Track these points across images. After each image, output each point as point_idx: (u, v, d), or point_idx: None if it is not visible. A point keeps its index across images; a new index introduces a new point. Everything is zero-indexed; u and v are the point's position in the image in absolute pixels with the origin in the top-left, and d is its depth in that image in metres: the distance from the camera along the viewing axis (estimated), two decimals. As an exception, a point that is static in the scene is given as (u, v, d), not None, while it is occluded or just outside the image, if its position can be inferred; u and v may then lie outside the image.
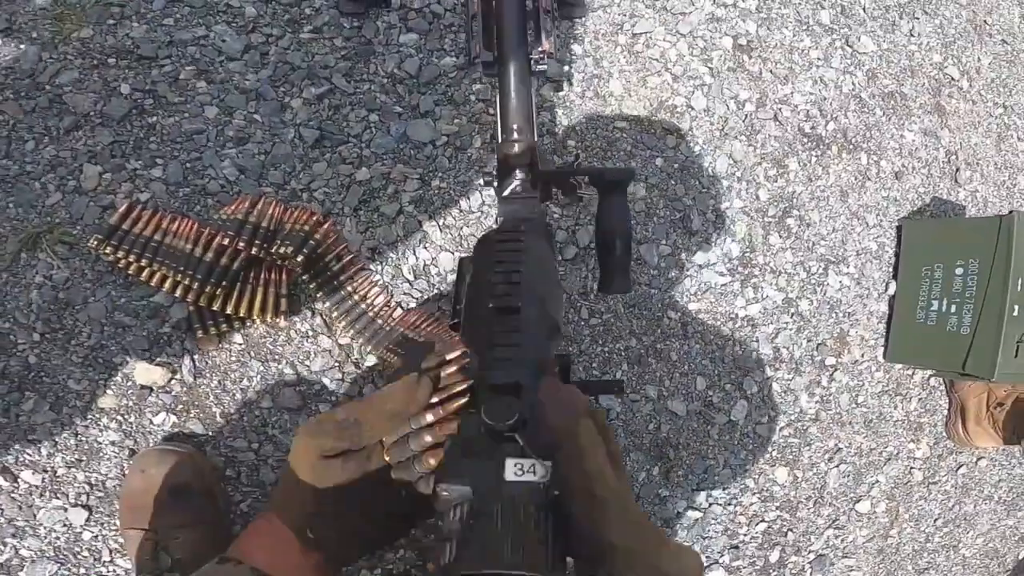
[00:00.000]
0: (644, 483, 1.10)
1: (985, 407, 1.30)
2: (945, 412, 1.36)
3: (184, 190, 0.91)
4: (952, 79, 1.35)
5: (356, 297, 0.94)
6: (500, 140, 0.74)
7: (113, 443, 0.91)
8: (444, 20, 1.01)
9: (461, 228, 1.00)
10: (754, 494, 1.18)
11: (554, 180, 0.74)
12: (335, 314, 0.94)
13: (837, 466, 1.25)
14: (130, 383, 0.90)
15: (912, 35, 1.32)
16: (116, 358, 0.90)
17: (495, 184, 0.71)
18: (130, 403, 0.91)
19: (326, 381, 0.96)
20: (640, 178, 1.09)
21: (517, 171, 0.71)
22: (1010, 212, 1.12)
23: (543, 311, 0.51)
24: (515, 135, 0.72)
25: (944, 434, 1.37)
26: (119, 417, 0.91)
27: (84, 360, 0.89)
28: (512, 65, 0.78)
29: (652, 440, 1.10)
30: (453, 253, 0.99)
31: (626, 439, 1.09)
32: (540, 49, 0.88)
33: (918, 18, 1.33)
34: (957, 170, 1.34)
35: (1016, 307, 1.13)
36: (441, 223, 0.99)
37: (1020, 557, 1.50)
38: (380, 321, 0.95)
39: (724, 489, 1.16)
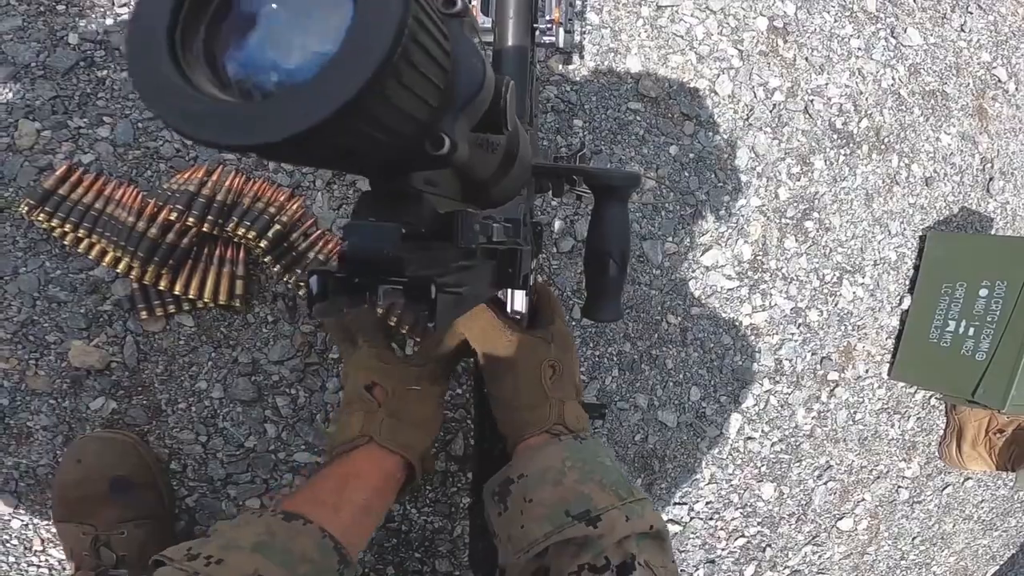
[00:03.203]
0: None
1: (984, 432, 1.25)
2: (940, 432, 1.30)
3: (134, 153, 0.79)
4: (999, 81, 1.23)
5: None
6: None
7: (45, 428, 0.82)
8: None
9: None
10: (737, 509, 1.12)
11: (544, 176, 0.63)
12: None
13: (825, 483, 1.19)
14: (64, 364, 0.80)
15: (963, 30, 1.19)
16: (49, 336, 0.80)
17: None
18: (64, 386, 0.81)
19: (285, 371, 0.87)
20: (651, 167, 0.97)
21: None
22: (1047, 234, 1.03)
23: None
24: None
25: (936, 453, 1.31)
26: (52, 400, 0.81)
27: (12, 336, 0.79)
28: (510, 35, 0.66)
29: (638, 451, 1.03)
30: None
31: (610, 448, 1.01)
32: (548, 18, 0.76)
33: (971, 12, 1.19)
34: (991, 179, 1.24)
35: (1038, 336, 1.05)
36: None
37: (988, 575, 1.48)
38: None
39: (707, 504, 1.10)
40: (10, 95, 0.75)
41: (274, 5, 0.23)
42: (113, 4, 0.77)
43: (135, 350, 0.82)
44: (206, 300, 0.80)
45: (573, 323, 0.97)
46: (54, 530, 0.83)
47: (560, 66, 0.93)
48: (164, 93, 0.22)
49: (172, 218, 0.75)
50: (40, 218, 0.75)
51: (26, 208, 0.74)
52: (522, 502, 0.55)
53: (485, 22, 0.70)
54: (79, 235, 0.76)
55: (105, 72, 0.77)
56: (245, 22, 0.23)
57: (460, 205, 0.40)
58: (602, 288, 0.62)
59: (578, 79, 0.94)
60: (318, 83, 0.20)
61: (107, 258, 0.77)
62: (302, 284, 0.81)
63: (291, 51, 0.22)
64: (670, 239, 1.00)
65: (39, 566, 0.85)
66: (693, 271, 1.02)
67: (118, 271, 0.78)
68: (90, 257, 0.78)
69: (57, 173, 0.75)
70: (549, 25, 0.72)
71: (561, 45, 0.82)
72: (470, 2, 0.69)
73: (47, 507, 0.83)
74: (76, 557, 0.78)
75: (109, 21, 0.77)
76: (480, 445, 0.72)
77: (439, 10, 0.26)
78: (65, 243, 0.77)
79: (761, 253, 1.05)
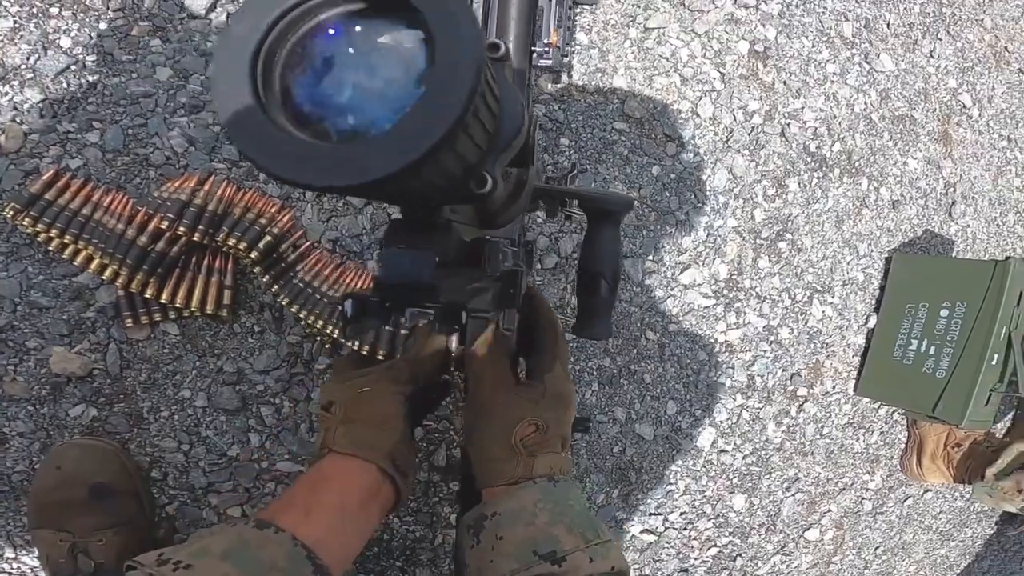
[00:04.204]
0: (603, 505, 1.05)
1: (942, 446, 1.30)
2: (902, 446, 1.35)
3: (123, 159, 0.78)
4: (964, 106, 1.29)
5: (316, 284, 0.83)
6: None
7: (21, 434, 0.80)
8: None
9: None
10: (710, 519, 1.15)
11: (540, 197, 0.65)
12: (293, 306, 0.83)
13: (793, 495, 1.23)
14: (44, 370, 0.79)
15: (932, 57, 1.24)
16: (29, 342, 0.79)
17: None
18: (44, 392, 0.80)
19: (270, 381, 0.87)
20: (635, 187, 1.00)
21: None
22: (1007, 258, 1.08)
23: None
24: None
25: (897, 466, 1.36)
26: (29, 407, 0.80)
27: (-9, 341, 0.78)
28: (510, 58, 0.67)
29: (615, 463, 1.05)
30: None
31: (588, 460, 1.03)
32: (546, 41, 0.78)
33: (940, 39, 1.25)
34: (953, 203, 1.29)
35: (996, 356, 1.11)
36: (414, 219, 0.89)
37: (946, 584, 1.54)
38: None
39: (681, 514, 1.12)
40: (-2, 98, 0.74)
41: (350, 50, 0.24)
42: (108, 8, 0.76)
43: (118, 357, 0.81)
44: (193, 309, 0.80)
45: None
46: (27, 537, 0.82)
47: (549, 85, 0.95)
48: (251, 131, 0.22)
49: (163, 226, 0.75)
50: (25, 223, 0.74)
51: (11, 212, 0.73)
52: (494, 538, 0.57)
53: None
54: (64, 241, 0.75)
55: (96, 77, 0.76)
56: (322, 64, 0.24)
57: (475, 231, 0.41)
58: (594, 307, 0.63)
59: (566, 98, 0.96)
60: (400, 131, 0.21)
61: (93, 265, 0.77)
62: (339, 306, 0.81)
63: (368, 96, 0.23)
64: (650, 258, 1.02)
65: (11, 573, 0.84)
66: (672, 289, 1.05)
67: (103, 278, 0.78)
68: (75, 263, 0.77)
69: (44, 177, 0.74)
70: (547, 48, 0.73)
71: (552, 64, 0.84)
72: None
73: (21, 514, 0.82)
74: (52, 564, 0.77)
75: (103, 26, 0.76)
76: (466, 473, 0.72)
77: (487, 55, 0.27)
78: (49, 248, 0.77)
79: (736, 272, 1.09)
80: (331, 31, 0.24)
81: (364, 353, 0.82)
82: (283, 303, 0.82)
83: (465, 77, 0.21)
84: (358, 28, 0.24)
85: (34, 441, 0.81)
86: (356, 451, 0.60)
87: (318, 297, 0.82)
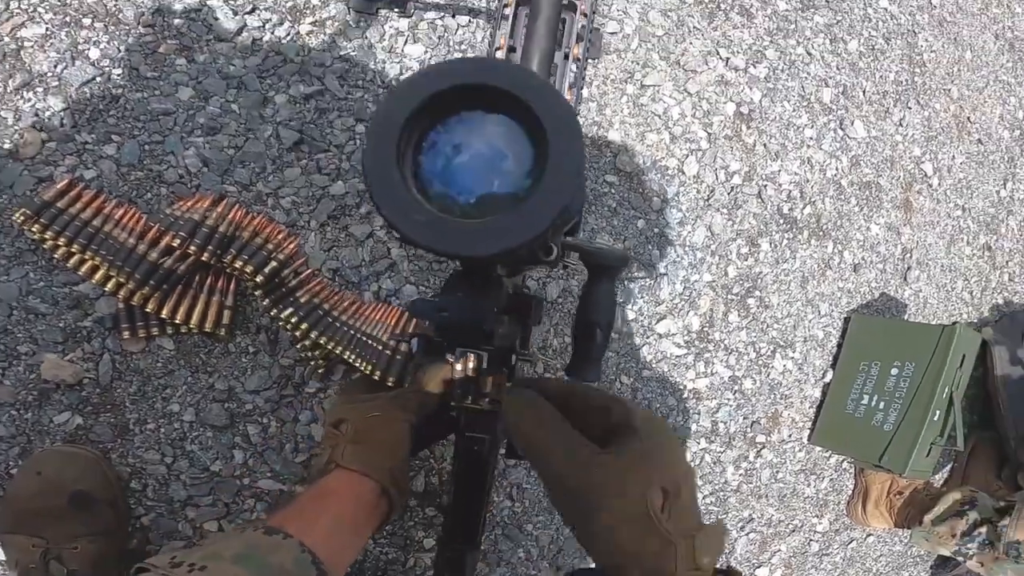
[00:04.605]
0: (568, 539, 1.09)
1: (886, 493, 1.38)
2: (849, 492, 1.43)
3: (137, 174, 0.80)
4: (925, 175, 1.39)
5: (325, 306, 0.86)
6: None
7: (1, 438, 0.80)
8: (454, 36, 0.93)
9: (432, 263, 0.93)
10: (666, 556, 1.20)
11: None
12: (302, 324, 0.84)
13: (747, 534, 1.29)
14: (34, 376, 0.80)
15: (901, 125, 1.34)
16: (21, 346, 0.79)
17: None
18: (30, 398, 0.80)
19: (260, 401, 0.88)
20: (620, 238, 1.05)
21: None
22: (953, 323, 1.17)
23: None
24: None
25: (844, 511, 1.44)
26: (13, 411, 0.80)
27: (-17, 344, 0.78)
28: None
29: (583, 498, 1.09)
30: (418, 288, 0.93)
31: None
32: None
33: (910, 108, 1.35)
34: (908, 268, 1.39)
35: (938, 412, 1.19)
36: (411, 253, 0.92)
37: (881, 626, 1.62)
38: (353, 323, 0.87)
39: (640, 550, 1.17)
40: (20, 102, 0.75)
41: (477, 140, 0.28)
42: (139, 23, 0.78)
43: (110, 368, 0.82)
44: (191, 326, 0.82)
45: (535, 376, 1.03)
46: (-2, 543, 0.81)
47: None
48: (395, 202, 0.27)
49: (175, 244, 0.76)
50: (34, 229, 0.75)
51: (21, 218, 0.74)
52: None
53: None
54: (72, 250, 0.76)
55: (120, 91, 0.78)
56: (452, 150, 0.28)
57: (508, 282, 0.45)
58: (588, 353, 0.68)
59: (563, 147, 1.01)
60: (517, 216, 0.26)
61: (98, 275, 0.78)
62: (404, 342, 0.83)
63: (487, 182, 0.28)
64: (630, 307, 1.08)
65: (-25, 579, 0.83)
66: (647, 337, 1.10)
67: (106, 289, 0.79)
68: (79, 273, 0.78)
69: (58, 186, 0.75)
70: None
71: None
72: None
73: (-7, 520, 0.81)
74: (22, 569, 0.76)
75: (132, 41, 0.78)
76: (456, 501, 0.75)
77: None
78: (55, 256, 0.77)
79: (708, 325, 1.15)
80: (462, 121, 0.28)
81: (375, 378, 0.84)
82: (290, 323, 0.84)
83: (571, 180, 0.26)
84: (484, 122, 0.29)
85: (13, 445, 0.81)
86: (362, 468, 0.63)
87: (330, 320, 0.85)
